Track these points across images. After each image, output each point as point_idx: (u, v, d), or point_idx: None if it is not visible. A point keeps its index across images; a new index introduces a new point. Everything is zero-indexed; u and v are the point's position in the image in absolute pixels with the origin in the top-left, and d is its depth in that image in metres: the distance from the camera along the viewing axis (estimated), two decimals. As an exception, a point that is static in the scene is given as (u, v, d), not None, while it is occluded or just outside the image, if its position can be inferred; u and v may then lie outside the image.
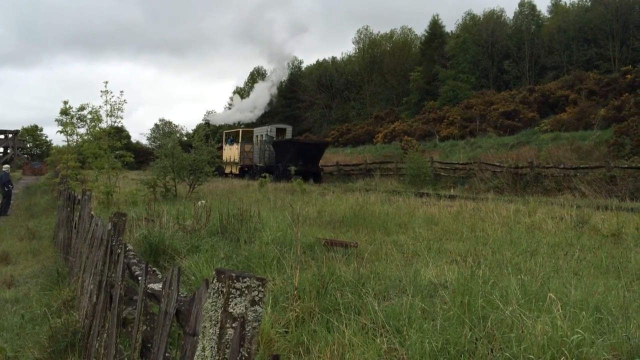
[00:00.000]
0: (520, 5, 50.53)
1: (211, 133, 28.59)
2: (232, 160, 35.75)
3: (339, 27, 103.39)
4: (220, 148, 33.74)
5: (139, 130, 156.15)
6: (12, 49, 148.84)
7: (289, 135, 34.12)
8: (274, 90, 58.21)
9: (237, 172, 34.42)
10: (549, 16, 51.12)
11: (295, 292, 4.36)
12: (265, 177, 22.46)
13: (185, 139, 47.11)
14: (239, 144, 34.75)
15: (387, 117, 48.14)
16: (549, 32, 46.15)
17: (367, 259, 6.08)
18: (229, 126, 47.38)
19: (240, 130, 36.59)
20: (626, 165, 18.75)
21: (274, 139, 32.44)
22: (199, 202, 10.58)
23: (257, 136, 34.36)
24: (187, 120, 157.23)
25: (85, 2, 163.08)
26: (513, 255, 6.72)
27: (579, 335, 3.37)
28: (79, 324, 4.74)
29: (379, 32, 62.59)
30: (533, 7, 50.51)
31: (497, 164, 23.07)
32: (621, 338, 3.60)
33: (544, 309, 3.95)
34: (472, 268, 5.15)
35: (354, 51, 64.94)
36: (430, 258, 6.33)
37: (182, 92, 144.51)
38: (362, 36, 62.79)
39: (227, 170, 36.03)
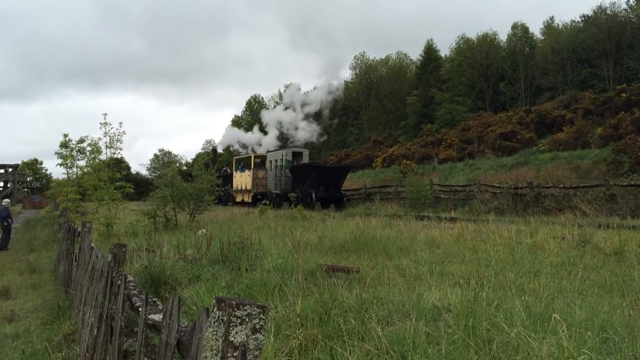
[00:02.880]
0: (513, 27, 51.28)
1: (210, 162, 28.05)
2: (243, 188, 33.65)
3: (336, 53, 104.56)
4: (223, 176, 32.57)
5: (140, 161, 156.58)
6: (14, 84, 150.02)
7: (305, 159, 32.11)
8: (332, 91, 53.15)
9: (250, 200, 32.06)
10: (542, 38, 51.89)
11: (298, 320, 4.32)
12: (266, 204, 22.27)
13: (185, 168, 46.58)
14: (251, 170, 32.63)
15: (385, 141, 48.39)
16: (543, 54, 46.76)
17: (369, 283, 6.04)
18: (230, 152, 46.05)
19: (252, 155, 34.76)
20: (625, 183, 18.77)
21: (292, 163, 30.62)
22: (200, 231, 10.54)
23: (270, 161, 32.40)
24: (187, 149, 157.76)
25: (87, 35, 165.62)
26: (516, 276, 6.68)
27: (585, 355, 3.33)
28: (80, 358, 4.69)
29: (374, 57, 63.49)
30: (526, 30, 51.27)
31: (497, 185, 23.09)
32: (628, 357, 3.56)
33: (549, 329, 3.91)
34: (476, 290, 5.11)
35: (351, 77, 65.73)
36: (432, 281, 6.28)
37: (182, 122, 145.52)
38: (359, 62, 63.62)
39: (239, 199, 33.97)
